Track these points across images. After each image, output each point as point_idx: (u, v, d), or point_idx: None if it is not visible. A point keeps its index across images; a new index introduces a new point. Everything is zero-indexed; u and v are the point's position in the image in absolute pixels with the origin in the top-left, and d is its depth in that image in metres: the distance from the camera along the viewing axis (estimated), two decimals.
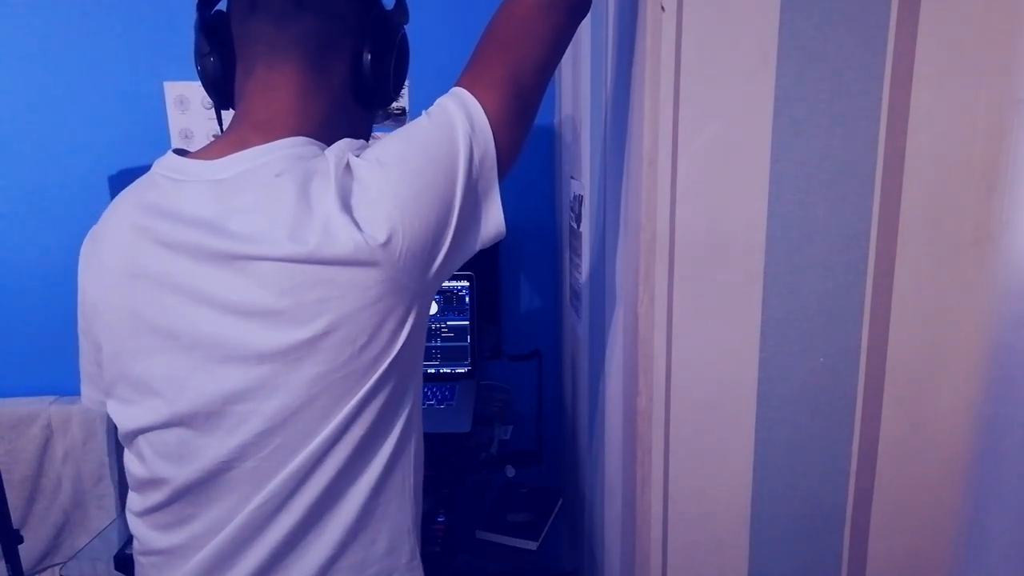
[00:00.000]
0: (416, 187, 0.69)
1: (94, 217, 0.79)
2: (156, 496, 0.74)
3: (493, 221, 0.76)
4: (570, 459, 1.60)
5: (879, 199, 0.77)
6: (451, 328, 1.69)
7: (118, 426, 0.78)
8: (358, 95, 0.79)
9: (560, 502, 1.42)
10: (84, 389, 0.84)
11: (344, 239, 0.66)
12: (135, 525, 0.79)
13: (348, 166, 0.70)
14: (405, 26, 0.83)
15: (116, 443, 1.77)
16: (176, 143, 1.75)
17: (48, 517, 1.84)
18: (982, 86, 0.75)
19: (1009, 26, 0.73)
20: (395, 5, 0.83)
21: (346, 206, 0.67)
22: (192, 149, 0.77)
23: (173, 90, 1.74)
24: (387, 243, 0.67)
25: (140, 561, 0.80)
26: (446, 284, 1.66)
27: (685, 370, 0.82)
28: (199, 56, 0.79)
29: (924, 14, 0.73)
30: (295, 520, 0.71)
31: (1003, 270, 0.77)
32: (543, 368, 1.80)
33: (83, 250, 0.79)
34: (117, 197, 0.78)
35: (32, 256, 1.80)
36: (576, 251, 1.39)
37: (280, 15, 0.74)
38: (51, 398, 1.81)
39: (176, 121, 1.76)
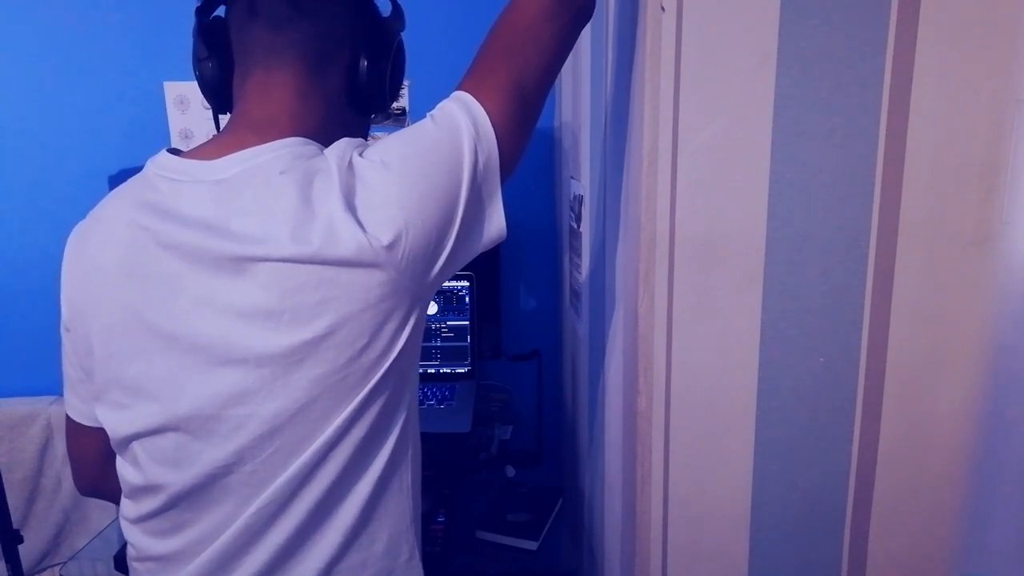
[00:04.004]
0: (421, 190, 0.69)
1: None
2: (152, 502, 0.74)
3: (495, 224, 0.76)
4: (570, 459, 1.60)
5: (879, 199, 0.77)
6: (451, 328, 1.69)
7: (110, 432, 0.76)
8: (354, 100, 0.80)
9: (560, 502, 1.42)
10: (69, 398, 0.81)
11: (347, 240, 0.66)
12: (130, 532, 0.78)
13: (351, 165, 0.70)
14: (401, 32, 0.84)
15: None
16: (176, 143, 1.75)
17: (48, 517, 1.84)
18: (982, 86, 0.75)
19: (1009, 26, 0.73)
20: (391, 12, 0.83)
21: (350, 206, 0.67)
22: (191, 149, 0.77)
23: (173, 90, 1.74)
24: (391, 245, 0.67)
25: (136, 568, 0.79)
26: (446, 284, 1.66)
27: (685, 370, 0.82)
28: (197, 60, 0.79)
29: (924, 14, 0.73)
30: (294, 524, 0.71)
31: (1003, 270, 0.77)
32: (543, 368, 1.80)
33: (70, 247, 0.77)
34: (109, 195, 0.77)
35: (32, 256, 1.80)
36: (576, 251, 1.39)
37: (279, 20, 0.74)
38: (51, 398, 1.82)
39: (176, 121, 1.76)
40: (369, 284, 0.67)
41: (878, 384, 0.81)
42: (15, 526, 1.56)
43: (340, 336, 0.67)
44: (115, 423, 0.75)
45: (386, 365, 0.70)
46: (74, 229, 0.78)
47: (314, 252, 0.66)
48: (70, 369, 0.80)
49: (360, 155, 0.71)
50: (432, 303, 1.66)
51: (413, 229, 0.68)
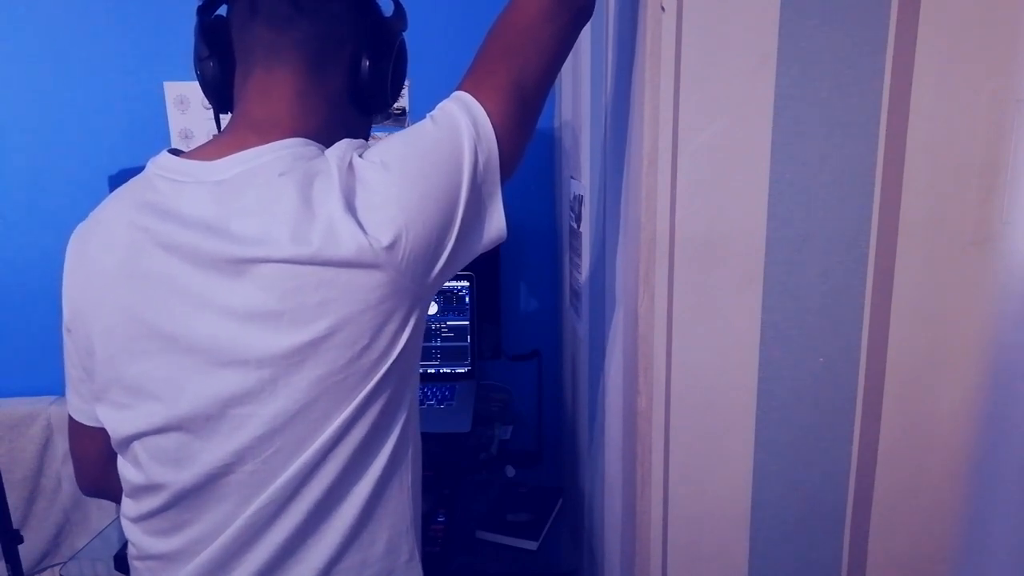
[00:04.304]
0: (421, 191, 0.69)
1: None
2: (153, 501, 0.74)
3: (495, 224, 0.76)
4: (570, 459, 1.60)
5: (879, 199, 0.77)
6: (451, 328, 1.69)
7: (110, 432, 0.76)
8: (355, 100, 0.80)
9: (560, 502, 1.42)
10: (71, 397, 0.82)
11: (347, 241, 0.66)
12: (131, 530, 0.78)
13: (351, 166, 0.70)
14: (403, 32, 0.83)
15: None
16: (176, 143, 1.75)
17: (48, 517, 1.84)
18: (982, 86, 0.75)
19: (1009, 26, 0.73)
20: (394, 11, 0.83)
21: (350, 207, 0.67)
22: (192, 149, 0.77)
23: (173, 90, 1.74)
24: (391, 246, 0.67)
25: (136, 566, 0.79)
26: (446, 284, 1.66)
27: (685, 370, 0.82)
28: (198, 60, 0.79)
29: (924, 14, 0.73)
30: (294, 524, 0.71)
31: (1003, 270, 0.77)
32: (543, 368, 1.80)
33: (71, 248, 0.78)
34: (110, 196, 0.77)
35: (32, 256, 1.80)
36: (576, 251, 1.39)
37: (280, 20, 0.74)
38: (51, 398, 1.81)
39: (176, 121, 1.76)
40: (369, 285, 0.67)
41: (878, 384, 0.81)
42: (15, 526, 1.56)
43: (340, 337, 0.67)
44: (116, 423, 0.75)
45: (386, 366, 0.70)
46: (75, 230, 0.78)
47: (314, 253, 0.66)
48: (72, 369, 0.80)
49: (360, 156, 0.71)
50: (432, 303, 1.66)
51: (413, 230, 0.68)
